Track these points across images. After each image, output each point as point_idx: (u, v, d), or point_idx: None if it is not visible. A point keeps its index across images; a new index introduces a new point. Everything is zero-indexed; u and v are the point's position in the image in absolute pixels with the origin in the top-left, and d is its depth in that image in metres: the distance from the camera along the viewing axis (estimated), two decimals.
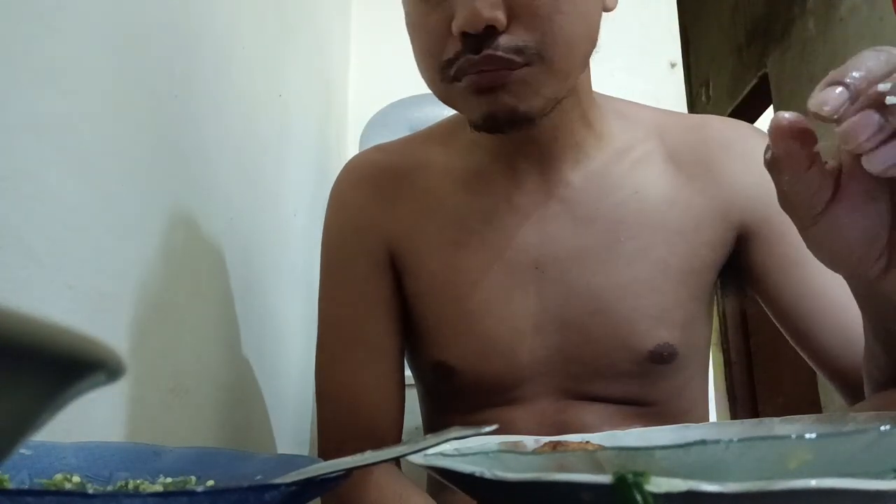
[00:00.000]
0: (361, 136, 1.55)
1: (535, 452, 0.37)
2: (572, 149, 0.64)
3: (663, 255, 0.64)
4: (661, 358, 0.63)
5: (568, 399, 0.65)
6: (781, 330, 0.66)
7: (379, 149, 0.76)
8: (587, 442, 0.36)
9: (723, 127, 0.68)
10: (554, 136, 0.63)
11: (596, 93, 0.66)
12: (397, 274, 0.70)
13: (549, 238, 0.64)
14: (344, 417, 0.68)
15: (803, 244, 0.63)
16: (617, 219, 0.64)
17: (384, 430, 0.67)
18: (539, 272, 0.65)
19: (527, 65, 0.54)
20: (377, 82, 1.71)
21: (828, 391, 2.09)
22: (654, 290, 0.63)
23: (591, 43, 0.59)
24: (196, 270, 0.70)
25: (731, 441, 0.26)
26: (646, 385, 0.65)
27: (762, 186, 0.63)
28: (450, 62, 0.55)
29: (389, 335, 0.69)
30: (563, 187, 0.65)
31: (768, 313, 0.66)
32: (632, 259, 0.64)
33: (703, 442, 0.26)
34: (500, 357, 0.65)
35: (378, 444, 0.66)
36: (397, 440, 0.69)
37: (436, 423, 0.73)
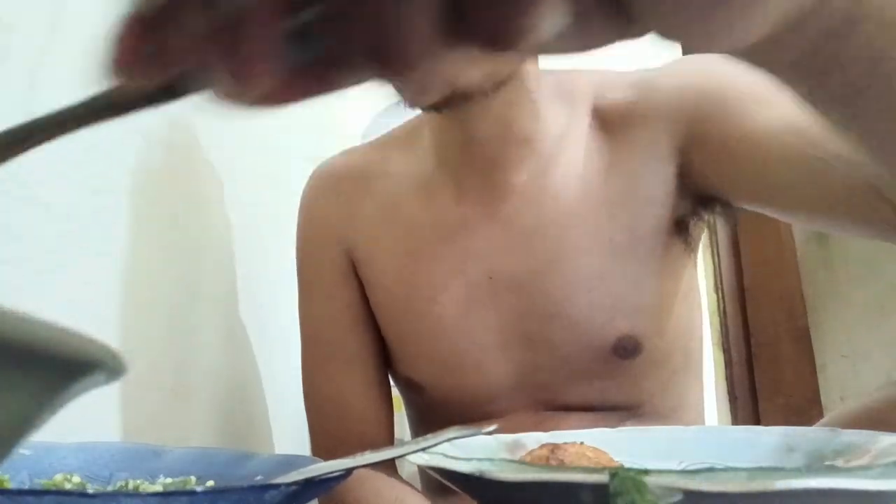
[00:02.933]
0: (362, 137, 1.55)
1: (531, 455, 0.37)
2: (518, 146, 0.60)
3: (608, 234, 0.60)
4: (626, 351, 0.60)
5: (545, 410, 0.62)
6: (780, 212, 0.56)
7: (346, 153, 0.74)
8: (582, 443, 0.37)
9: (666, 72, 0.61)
10: (499, 133, 0.59)
11: (540, 72, 0.61)
12: (360, 283, 0.69)
13: (499, 248, 0.62)
14: (331, 426, 0.68)
15: (747, 120, 0.53)
16: (563, 211, 0.61)
17: (373, 435, 0.67)
18: (493, 283, 0.62)
19: None
20: (376, 84, 1.71)
21: (829, 391, 2.09)
22: (604, 277, 0.60)
23: None
24: (196, 270, 0.70)
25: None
26: (622, 386, 0.61)
27: (681, 100, 0.58)
28: None
29: (366, 342, 0.68)
30: (509, 192, 0.62)
31: (756, 205, 0.57)
32: (580, 250, 0.60)
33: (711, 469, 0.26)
34: (466, 373, 0.63)
35: (369, 449, 0.65)
36: (388, 444, 0.69)
37: (420, 432, 0.72)
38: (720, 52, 0.21)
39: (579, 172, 0.61)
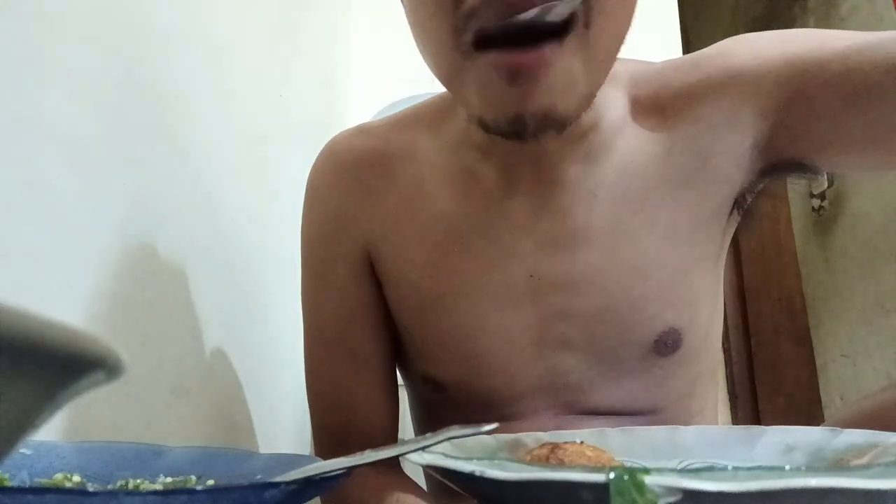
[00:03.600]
0: None
1: (531, 455, 0.37)
2: (574, 140, 0.57)
3: (671, 217, 0.57)
4: (666, 347, 0.58)
5: (568, 414, 0.60)
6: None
7: (362, 131, 0.66)
8: (582, 442, 0.37)
9: (718, 51, 0.59)
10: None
11: None
12: (377, 278, 0.64)
13: (545, 244, 0.58)
14: (335, 426, 0.66)
15: (853, 71, 0.51)
16: (616, 199, 0.57)
17: (378, 435, 0.65)
18: (535, 280, 0.58)
19: (565, 32, 0.43)
20: (377, 82, 1.71)
21: (829, 391, 2.09)
22: (660, 264, 0.57)
23: (630, 27, 0.49)
24: (196, 269, 0.70)
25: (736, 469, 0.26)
26: (651, 387, 0.60)
27: (766, 63, 0.55)
28: (469, 17, 0.43)
29: (375, 341, 0.65)
30: (560, 186, 0.58)
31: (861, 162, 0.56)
32: (637, 237, 0.57)
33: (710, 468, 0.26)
34: (494, 375, 0.60)
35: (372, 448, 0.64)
36: (393, 443, 0.68)
37: (426, 431, 0.70)
38: None
39: (633, 159, 0.58)
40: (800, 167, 0.58)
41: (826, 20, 2.08)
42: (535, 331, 0.59)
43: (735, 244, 2.33)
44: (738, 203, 0.61)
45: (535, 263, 0.59)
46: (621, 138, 0.58)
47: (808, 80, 0.53)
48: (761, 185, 0.61)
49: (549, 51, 0.43)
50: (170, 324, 0.63)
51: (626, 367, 0.59)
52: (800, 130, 0.55)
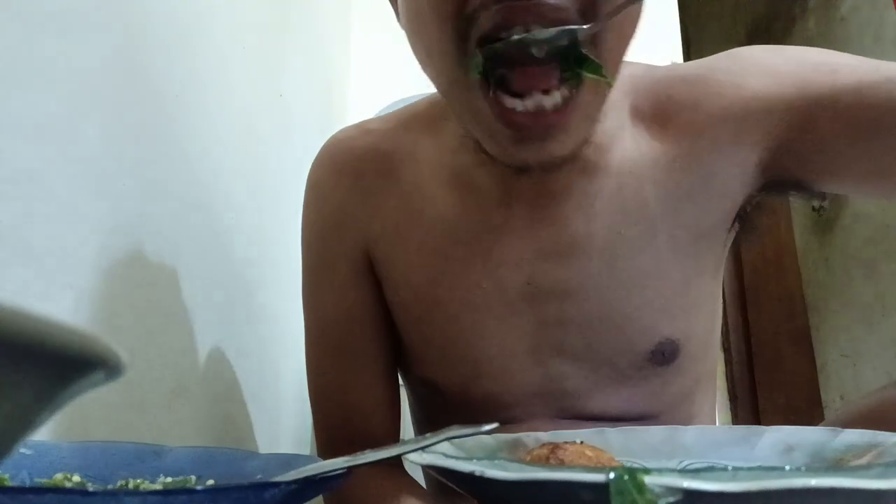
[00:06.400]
0: None
1: (531, 455, 0.37)
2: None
3: (672, 232, 0.57)
4: (663, 357, 0.58)
5: (563, 419, 0.60)
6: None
7: (362, 129, 0.66)
8: (582, 442, 0.37)
9: (719, 65, 0.59)
10: None
11: None
12: (377, 279, 0.64)
13: (544, 252, 0.58)
14: (336, 425, 0.66)
15: (868, 99, 0.51)
16: (614, 211, 0.57)
17: (379, 436, 0.65)
18: (532, 288, 0.58)
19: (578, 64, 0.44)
20: (377, 82, 1.71)
21: (829, 391, 2.09)
22: (660, 276, 0.57)
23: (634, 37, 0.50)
24: (197, 270, 0.70)
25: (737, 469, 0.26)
26: (647, 394, 0.59)
27: (779, 86, 0.55)
28: (471, 19, 0.43)
29: (377, 340, 0.65)
30: (559, 195, 0.57)
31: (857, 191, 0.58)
32: (636, 249, 0.57)
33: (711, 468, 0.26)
34: (490, 380, 0.60)
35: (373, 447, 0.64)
36: (394, 443, 0.68)
37: (425, 432, 0.71)
38: None
39: (632, 169, 0.57)
40: (800, 187, 0.58)
41: (826, 20, 2.08)
42: (533, 338, 0.59)
43: (735, 244, 2.34)
44: (739, 216, 0.61)
45: (532, 271, 0.58)
46: (619, 144, 0.58)
47: (820, 112, 0.53)
48: (759, 199, 0.61)
49: (564, 106, 0.44)
50: (170, 324, 0.63)
51: (623, 375, 0.59)
52: (805, 157, 0.55)
